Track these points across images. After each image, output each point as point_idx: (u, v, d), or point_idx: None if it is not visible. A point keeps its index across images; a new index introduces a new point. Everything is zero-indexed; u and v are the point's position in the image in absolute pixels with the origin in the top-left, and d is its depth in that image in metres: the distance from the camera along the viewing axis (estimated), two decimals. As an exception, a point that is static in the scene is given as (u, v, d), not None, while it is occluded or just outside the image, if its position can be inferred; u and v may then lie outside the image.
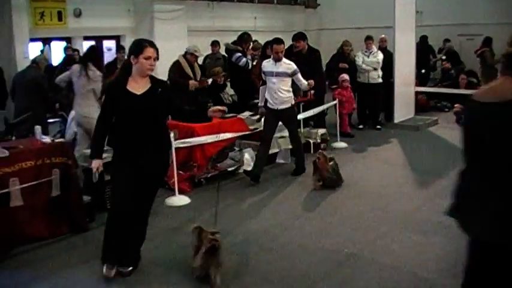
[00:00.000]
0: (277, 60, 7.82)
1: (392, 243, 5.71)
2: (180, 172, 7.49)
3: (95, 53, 8.23)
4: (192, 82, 8.97)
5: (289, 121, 8.22)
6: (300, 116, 9.53)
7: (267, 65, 8.01)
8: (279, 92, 7.88)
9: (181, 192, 7.28)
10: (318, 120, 10.44)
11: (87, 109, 7.59)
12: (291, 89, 8.05)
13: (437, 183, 7.67)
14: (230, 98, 10.00)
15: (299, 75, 8.02)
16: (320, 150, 8.21)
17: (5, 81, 10.29)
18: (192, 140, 7.45)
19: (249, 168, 8.30)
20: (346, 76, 11.30)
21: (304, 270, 5.09)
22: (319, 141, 9.77)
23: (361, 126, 12.04)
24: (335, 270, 5.09)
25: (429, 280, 4.85)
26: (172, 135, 6.80)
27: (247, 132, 8.40)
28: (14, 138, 6.82)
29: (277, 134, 9.10)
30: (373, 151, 10.10)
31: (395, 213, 6.60)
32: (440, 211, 5.81)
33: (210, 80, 9.40)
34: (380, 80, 11.87)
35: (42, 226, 5.89)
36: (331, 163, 7.67)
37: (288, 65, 7.91)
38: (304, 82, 8.09)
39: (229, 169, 8.34)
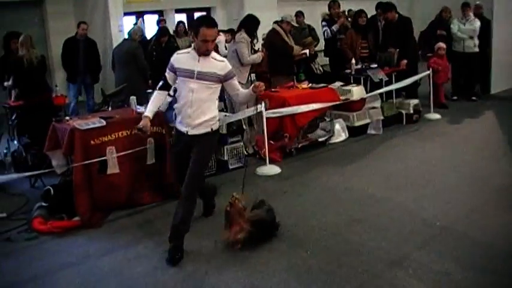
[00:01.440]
0: (204, 53, 4.64)
1: (485, 219, 5.39)
2: (271, 142, 7.42)
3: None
4: (297, 48, 8.77)
5: (202, 152, 4.81)
6: (393, 87, 9.22)
7: (182, 58, 4.76)
8: (197, 105, 4.69)
9: (272, 161, 7.23)
10: (410, 91, 10.06)
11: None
12: (216, 104, 4.91)
13: None
14: (321, 68, 9.79)
15: (235, 81, 4.91)
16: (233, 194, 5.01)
17: (99, 55, 10.55)
18: (283, 110, 7.33)
19: (341, 139, 8.17)
20: (442, 44, 10.70)
21: (395, 242, 4.90)
22: (411, 112, 9.43)
23: (455, 98, 11.47)
24: (426, 243, 4.87)
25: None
26: (263, 104, 6.74)
27: (338, 102, 8.18)
28: (110, 109, 6.97)
29: (368, 105, 8.87)
30: (468, 123, 9.59)
31: (490, 188, 6.23)
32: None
33: (307, 51, 9.17)
34: (476, 49, 11.19)
35: (138, 193, 6.01)
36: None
37: (220, 62, 4.76)
38: (243, 92, 4.99)
39: (320, 139, 8.18)
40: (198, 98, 4.67)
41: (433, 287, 4.13)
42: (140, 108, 6.18)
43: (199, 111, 4.69)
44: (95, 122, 5.77)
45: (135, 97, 6.42)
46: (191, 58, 4.71)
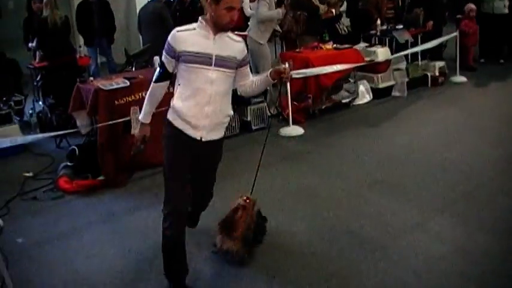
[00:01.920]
0: (226, 28, 3.46)
1: (509, 183, 5.33)
2: (295, 103, 7.39)
3: None
4: (322, 7, 8.57)
5: (216, 166, 3.94)
6: (418, 48, 9.08)
7: (188, 37, 3.46)
8: (217, 101, 3.51)
9: (295, 122, 7.21)
10: (434, 53, 9.91)
11: None
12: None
13: None
14: (345, 29, 9.64)
15: (248, 68, 3.75)
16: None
17: (113, 16, 10.36)
18: (307, 71, 7.27)
19: (365, 101, 8.11)
20: (473, 6, 10.43)
21: (417, 205, 4.89)
22: (437, 74, 9.30)
23: (482, 60, 11.24)
24: (449, 206, 4.85)
25: None
26: (286, 65, 6.68)
27: (363, 64, 8.08)
28: (134, 69, 6.97)
29: (393, 67, 8.76)
30: (495, 87, 9.42)
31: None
32: None
33: (334, 10, 8.98)
34: (506, 11, 10.86)
35: (161, 153, 6.03)
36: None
37: (238, 43, 3.59)
38: (257, 79, 3.72)
39: (344, 101, 8.12)
40: (218, 92, 3.46)
41: (454, 250, 4.11)
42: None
43: (219, 110, 3.51)
44: (119, 82, 5.78)
45: (158, 57, 6.40)
46: (202, 37, 3.42)
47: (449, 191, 5.16)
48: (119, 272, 3.98)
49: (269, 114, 7.45)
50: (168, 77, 3.56)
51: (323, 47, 8.11)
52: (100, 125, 5.58)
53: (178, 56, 3.42)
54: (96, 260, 4.18)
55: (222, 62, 3.43)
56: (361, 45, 8.66)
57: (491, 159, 5.95)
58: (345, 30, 9.46)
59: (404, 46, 9.08)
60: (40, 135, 6.61)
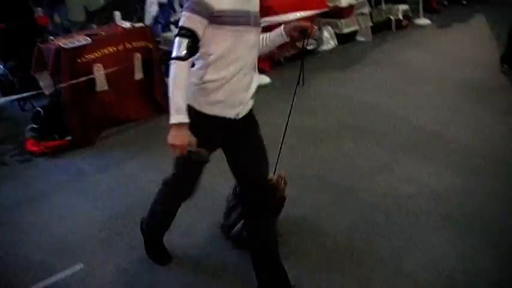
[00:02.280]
0: None
1: (475, 123, 5.49)
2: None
3: None
4: None
5: (255, 132, 3.12)
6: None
7: None
8: (253, 69, 2.88)
9: (261, 71, 7.15)
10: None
11: None
12: None
13: None
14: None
15: None
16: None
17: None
18: (271, 19, 7.18)
19: (330, 47, 8.10)
20: None
21: (385, 147, 5.00)
22: (401, 18, 9.32)
23: (445, 2, 11.31)
24: (417, 148, 4.98)
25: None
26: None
27: (326, 10, 8.02)
28: (95, 26, 6.83)
29: (356, 11, 8.73)
30: (458, 28, 9.54)
31: (481, 93, 6.30)
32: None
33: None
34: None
35: (129, 109, 6.01)
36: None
37: None
38: (267, 37, 3.04)
39: (309, 47, 8.06)
40: (255, 57, 2.88)
41: (421, 190, 4.23)
42: (125, 23, 6.06)
43: (255, 77, 2.93)
44: (80, 40, 5.65)
45: (119, 12, 6.28)
46: None
47: (417, 133, 5.26)
48: (94, 230, 3.98)
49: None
50: (197, 47, 2.64)
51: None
52: (63, 84, 5.49)
53: (214, 17, 2.60)
54: (69, 220, 4.16)
55: (256, 20, 2.79)
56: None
57: (456, 100, 6.06)
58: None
59: (368, -10, 9.07)
60: (3, 99, 6.47)
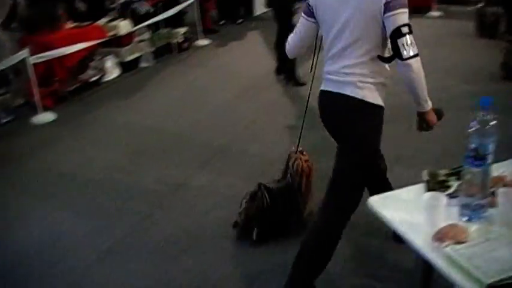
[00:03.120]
0: None
1: (261, 131, 5.90)
2: (42, 88, 7.11)
3: None
4: None
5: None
6: (159, 17, 9.29)
7: None
8: None
9: (46, 108, 6.96)
10: (176, 20, 10.18)
11: None
12: None
13: (305, 65, 7.97)
14: (83, 6, 9.45)
15: None
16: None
17: None
18: (49, 54, 7.04)
19: (114, 76, 8.11)
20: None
21: (177, 167, 5.17)
22: (181, 40, 9.63)
23: (222, 22, 11.89)
24: (207, 163, 5.20)
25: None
26: (26, 51, 6.44)
27: (105, 39, 8.04)
28: None
29: (137, 38, 8.86)
30: (236, 45, 10.10)
31: (263, 102, 6.79)
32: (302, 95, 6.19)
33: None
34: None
35: None
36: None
37: None
38: None
39: (93, 79, 8.02)
40: None
41: (218, 200, 4.47)
42: None
43: None
44: None
45: None
46: None
47: (205, 149, 5.50)
48: None
49: (16, 104, 7.10)
50: None
51: (63, 27, 7.87)
52: None
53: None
54: None
55: None
56: (103, 20, 8.58)
57: (241, 110, 6.46)
58: (83, 7, 9.27)
59: (146, 16, 9.21)
60: None
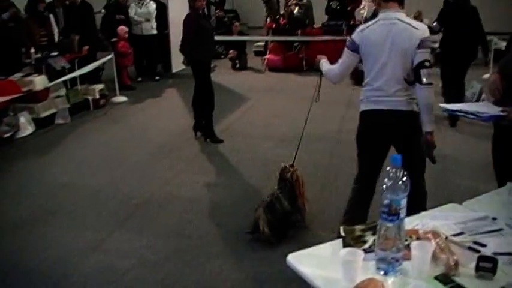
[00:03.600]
0: None
1: (180, 188, 5.90)
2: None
3: None
4: None
5: None
6: (76, 74, 9.24)
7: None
8: None
9: None
10: (93, 77, 10.14)
11: None
12: None
13: (223, 121, 8.24)
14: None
15: None
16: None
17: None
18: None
19: (28, 132, 7.91)
20: (125, 28, 11.18)
21: (94, 227, 5.05)
22: (98, 97, 9.58)
23: (140, 79, 11.96)
24: (125, 222, 5.13)
25: (214, 217, 5.16)
26: None
27: (19, 94, 7.87)
28: None
29: (53, 94, 8.74)
30: (154, 102, 10.18)
31: (181, 158, 6.84)
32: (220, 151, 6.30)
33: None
34: (154, 32, 11.81)
35: None
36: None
37: None
38: None
39: (6, 135, 7.79)
40: None
41: (136, 262, 4.38)
42: None
43: None
44: None
45: None
46: None
47: (123, 207, 5.43)
48: None
49: None
50: None
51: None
52: None
53: None
54: None
55: None
56: (17, 75, 8.42)
57: (160, 169, 6.45)
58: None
59: (62, 72, 9.13)
60: None
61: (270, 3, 13.88)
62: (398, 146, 3.89)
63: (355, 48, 3.85)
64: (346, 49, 3.92)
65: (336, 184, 5.78)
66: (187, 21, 7.13)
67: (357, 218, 3.74)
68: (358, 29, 3.92)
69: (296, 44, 13.37)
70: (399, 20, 3.71)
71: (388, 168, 2.19)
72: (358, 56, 3.88)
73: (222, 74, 12.03)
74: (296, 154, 4.96)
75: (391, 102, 3.75)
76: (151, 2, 11.78)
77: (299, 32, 13.16)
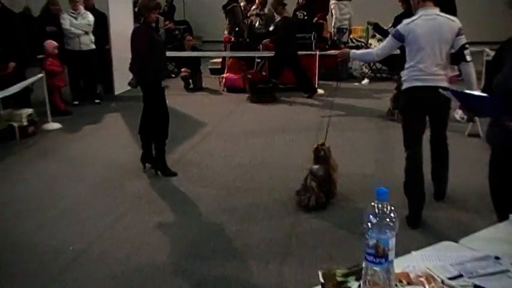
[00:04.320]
0: None
1: (126, 231, 5.81)
2: None
3: None
4: None
5: None
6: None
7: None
8: None
9: None
10: (20, 99, 9.93)
11: None
12: None
13: (176, 151, 8.22)
14: None
15: None
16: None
17: None
18: None
19: None
20: (54, 42, 11.04)
21: (20, 283, 4.91)
22: (25, 124, 9.42)
23: (76, 102, 11.82)
24: (63, 272, 5.01)
25: (168, 265, 5.08)
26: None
27: None
28: None
29: None
30: (93, 129, 10.06)
31: (128, 195, 6.76)
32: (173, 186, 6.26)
33: None
34: (93, 46, 11.75)
35: None
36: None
37: None
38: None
39: None
40: None
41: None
42: None
43: None
44: None
45: None
46: None
47: (60, 255, 5.29)
48: None
49: None
50: None
51: None
52: None
53: None
54: None
55: None
56: None
57: (101, 210, 6.34)
58: None
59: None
60: None
61: (232, 13, 14.02)
62: (433, 115, 5.75)
63: (400, 38, 5.62)
64: (391, 37, 5.76)
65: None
66: (138, 36, 7.09)
67: (418, 180, 5.67)
68: (403, 23, 5.64)
69: (258, 60, 13.49)
70: (437, 15, 5.52)
71: (373, 204, 2.17)
72: (399, 44, 5.73)
73: (174, 95, 11.99)
74: (326, 136, 6.94)
75: (431, 81, 5.45)
76: (88, 13, 11.72)
77: (261, 46, 13.28)
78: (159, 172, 7.38)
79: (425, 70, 5.50)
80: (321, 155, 6.36)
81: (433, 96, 5.18)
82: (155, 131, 7.27)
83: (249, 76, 12.59)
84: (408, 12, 9.47)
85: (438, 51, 5.50)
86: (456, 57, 5.55)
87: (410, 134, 5.78)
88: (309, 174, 6.25)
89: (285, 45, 12.24)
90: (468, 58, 5.44)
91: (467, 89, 4.80)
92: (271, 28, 12.77)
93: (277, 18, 12.42)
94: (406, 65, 5.70)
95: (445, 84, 5.42)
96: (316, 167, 6.28)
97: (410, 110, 5.76)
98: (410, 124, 5.79)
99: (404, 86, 5.75)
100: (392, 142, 8.15)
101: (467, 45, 5.46)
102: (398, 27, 5.69)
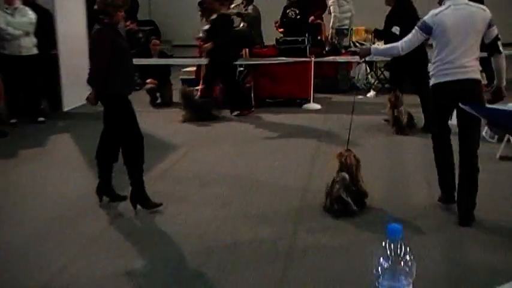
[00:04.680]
0: None
1: (78, 280, 5.77)
2: None
3: None
4: None
5: None
6: None
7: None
8: None
9: None
10: None
11: None
12: None
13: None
14: None
15: None
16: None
17: None
18: None
19: None
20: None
21: None
22: None
23: (14, 121, 11.68)
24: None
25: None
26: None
27: None
28: None
29: None
30: (35, 154, 10.00)
31: (80, 236, 6.68)
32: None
33: None
34: (36, 51, 11.64)
35: None
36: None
37: None
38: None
39: None
40: None
41: None
42: None
43: None
44: None
45: None
46: None
47: None
48: None
49: None
50: None
51: None
52: None
53: None
54: None
55: None
56: None
57: (44, 255, 6.28)
58: None
59: None
60: None
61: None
62: (462, 116, 6.30)
63: (427, 30, 6.30)
64: (417, 29, 6.39)
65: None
66: (99, 39, 7.01)
67: (447, 165, 6.68)
68: (430, 14, 6.30)
69: (241, 69, 13.47)
70: (467, 4, 6.25)
71: (384, 244, 2.13)
72: (425, 37, 6.41)
73: (137, 112, 11.78)
74: (348, 139, 7.53)
75: (461, 74, 6.18)
76: (28, 9, 11.55)
77: (244, 52, 13.30)
78: (139, 205, 7.16)
79: (455, 62, 6.21)
80: (344, 162, 7.00)
81: (463, 89, 6.17)
82: (128, 157, 7.11)
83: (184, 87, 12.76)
84: (399, 9, 10.64)
85: (469, 42, 6.20)
86: (490, 48, 6.36)
87: (436, 127, 6.82)
88: (336, 182, 6.88)
89: (224, 49, 12.11)
90: (501, 49, 6.27)
91: (496, 84, 6.49)
92: (205, 27, 12.72)
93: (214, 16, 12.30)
94: (434, 59, 6.43)
95: (477, 75, 6.30)
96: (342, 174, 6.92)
97: (439, 104, 6.60)
98: (437, 116, 6.74)
99: (432, 81, 6.50)
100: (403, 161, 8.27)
101: (499, 36, 6.26)
102: (425, 18, 6.37)
